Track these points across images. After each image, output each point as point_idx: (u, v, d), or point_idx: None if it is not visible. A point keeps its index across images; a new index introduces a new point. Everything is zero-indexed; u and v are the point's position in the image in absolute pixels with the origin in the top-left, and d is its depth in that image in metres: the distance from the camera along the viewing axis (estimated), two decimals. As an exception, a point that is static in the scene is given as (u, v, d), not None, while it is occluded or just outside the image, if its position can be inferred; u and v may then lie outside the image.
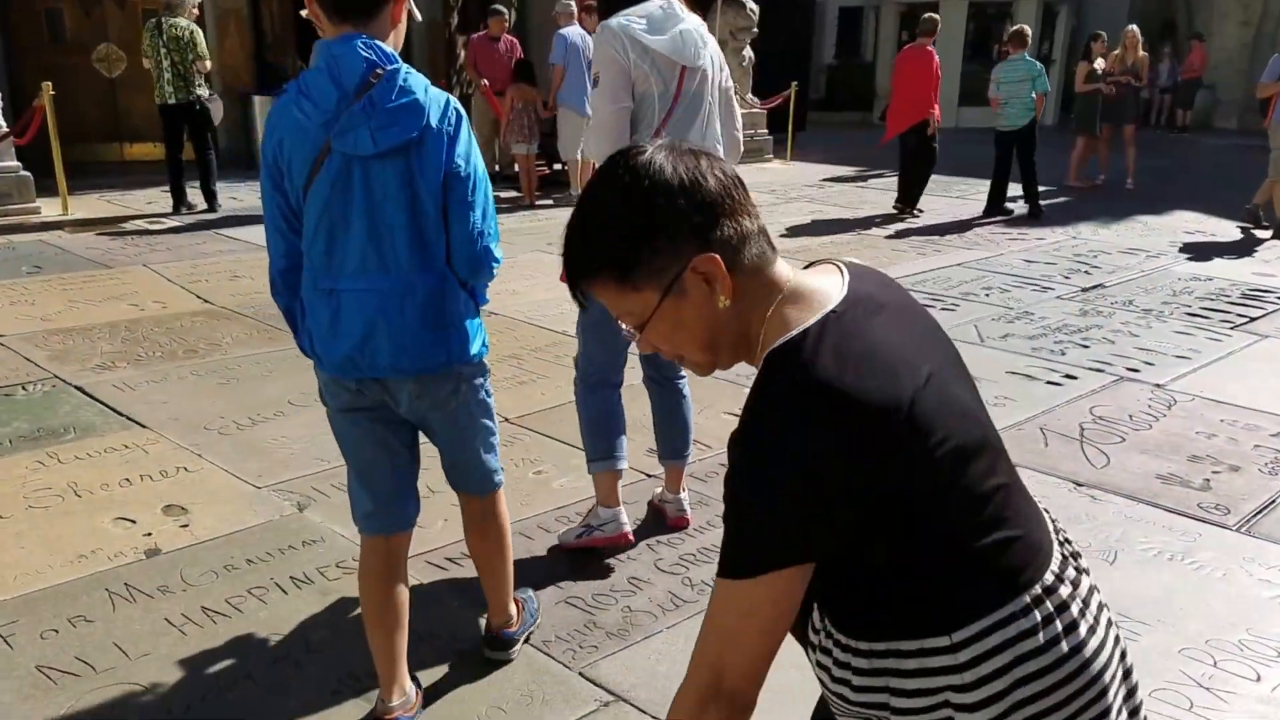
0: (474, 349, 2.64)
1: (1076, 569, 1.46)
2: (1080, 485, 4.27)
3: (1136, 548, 3.76)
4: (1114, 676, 1.41)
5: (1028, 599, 1.36)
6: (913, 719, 1.40)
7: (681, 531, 3.81)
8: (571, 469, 4.30)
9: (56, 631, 3.14)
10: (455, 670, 2.99)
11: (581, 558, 3.60)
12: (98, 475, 4.21)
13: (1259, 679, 3.01)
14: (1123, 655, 1.46)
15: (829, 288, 1.43)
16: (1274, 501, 4.14)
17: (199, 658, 3.03)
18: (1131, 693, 1.47)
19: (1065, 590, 1.39)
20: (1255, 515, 4.03)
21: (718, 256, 1.39)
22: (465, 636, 3.14)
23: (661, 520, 3.88)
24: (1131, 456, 4.57)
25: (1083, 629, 1.38)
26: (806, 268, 1.57)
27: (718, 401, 5.02)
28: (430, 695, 2.85)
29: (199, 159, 10.07)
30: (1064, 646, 1.36)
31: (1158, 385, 5.53)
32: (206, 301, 7.01)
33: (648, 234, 1.39)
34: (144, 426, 4.75)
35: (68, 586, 3.38)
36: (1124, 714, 1.44)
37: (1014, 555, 1.38)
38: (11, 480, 4.15)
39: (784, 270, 1.47)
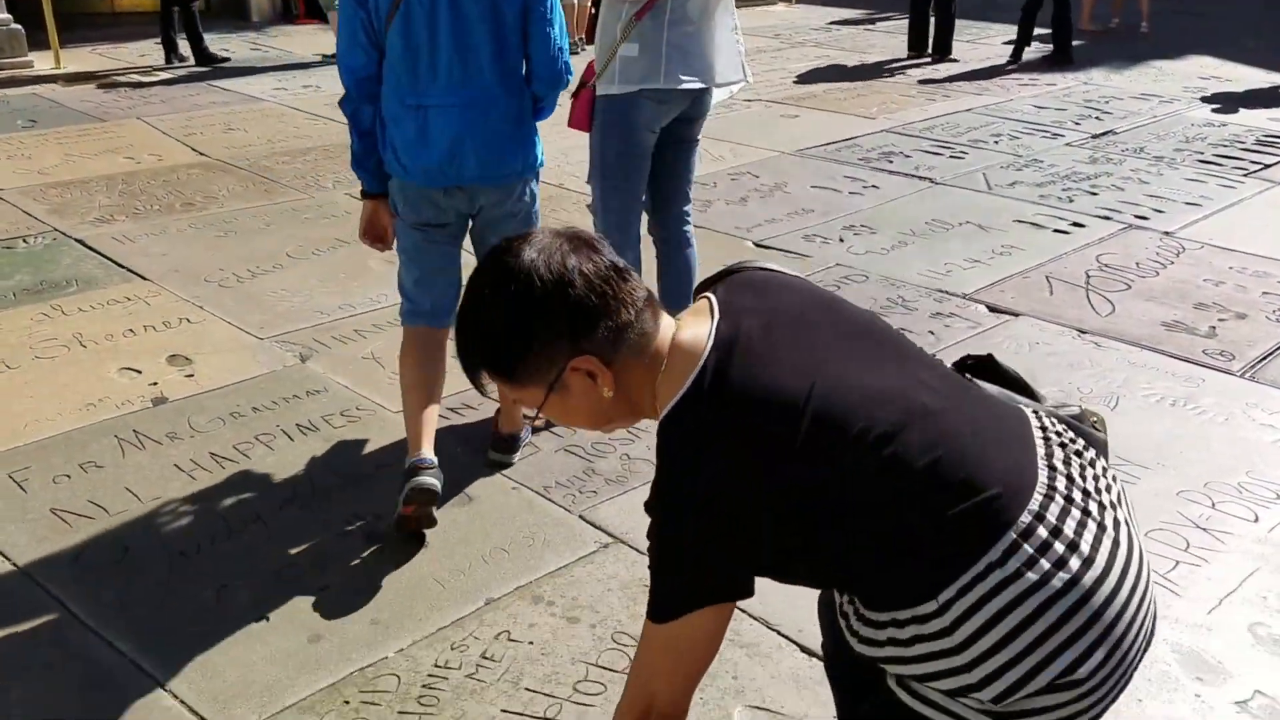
0: (541, 159, 3.06)
1: (1066, 497, 1.41)
2: (1085, 333, 4.26)
3: (1139, 393, 3.77)
4: (1127, 600, 1.38)
5: (1003, 548, 1.35)
6: (917, 686, 1.43)
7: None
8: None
9: (69, 476, 3.19)
10: (460, 514, 3.04)
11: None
12: (101, 327, 4.21)
13: (1257, 520, 3.05)
14: (1138, 575, 1.42)
15: (698, 339, 1.45)
16: None
17: (208, 501, 3.08)
18: (1152, 613, 1.46)
19: (1044, 530, 1.37)
20: (1260, 361, 4.03)
21: (593, 357, 1.43)
22: (469, 482, 3.18)
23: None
24: (1137, 304, 4.55)
25: (1074, 562, 1.36)
26: (698, 293, 1.60)
27: (721, 259, 4.98)
28: (436, 537, 2.90)
29: (182, 9, 9.77)
30: (1056, 582, 1.34)
31: (1166, 233, 5.46)
32: (202, 154, 6.90)
33: (520, 346, 1.44)
34: (145, 279, 4.73)
35: (77, 434, 3.42)
36: (1145, 630, 1.43)
37: (978, 510, 1.37)
38: (17, 331, 4.16)
39: (665, 335, 1.49)
